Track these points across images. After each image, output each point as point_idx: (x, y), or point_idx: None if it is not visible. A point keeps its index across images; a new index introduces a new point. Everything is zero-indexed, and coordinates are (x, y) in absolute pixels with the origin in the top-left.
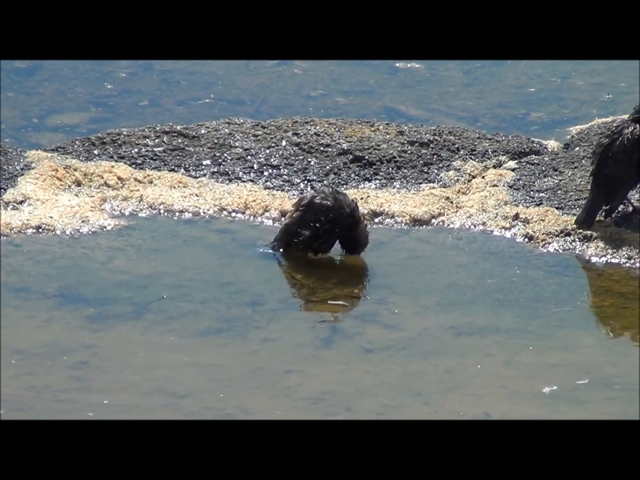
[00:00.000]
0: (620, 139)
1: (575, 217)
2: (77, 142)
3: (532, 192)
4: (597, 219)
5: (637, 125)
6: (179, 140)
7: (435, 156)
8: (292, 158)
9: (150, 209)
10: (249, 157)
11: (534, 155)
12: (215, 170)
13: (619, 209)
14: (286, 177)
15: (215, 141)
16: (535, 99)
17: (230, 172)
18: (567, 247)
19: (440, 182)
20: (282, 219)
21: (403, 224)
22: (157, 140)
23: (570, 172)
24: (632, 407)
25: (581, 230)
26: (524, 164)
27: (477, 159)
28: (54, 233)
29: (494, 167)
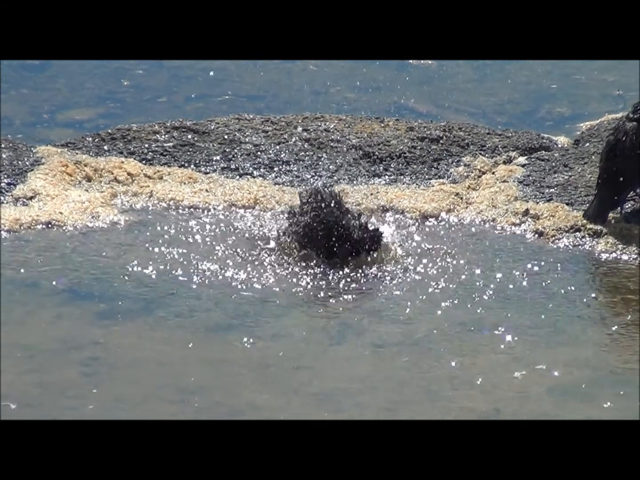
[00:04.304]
0: (625, 135)
1: (583, 212)
2: (87, 138)
3: (542, 188)
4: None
5: (635, 123)
6: (189, 136)
7: (445, 152)
8: (302, 154)
9: (160, 204)
10: (259, 153)
11: (544, 151)
12: (225, 165)
13: (629, 205)
14: (296, 172)
15: (225, 137)
16: (545, 95)
17: (240, 168)
18: (577, 243)
19: (450, 178)
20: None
21: (413, 220)
22: (167, 136)
23: (580, 168)
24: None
25: (592, 226)
26: (534, 159)
27: (487, 155)
28: (63, 229)
29: (504, 163)
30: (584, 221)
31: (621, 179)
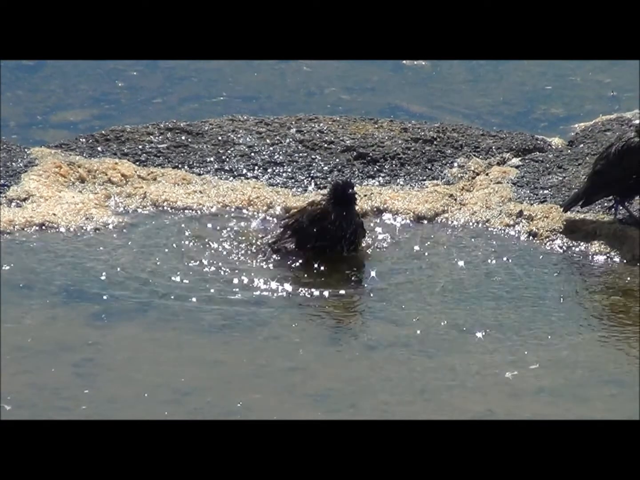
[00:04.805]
0: (619, 141)
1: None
2: (81, 139)
3: (536, 190)
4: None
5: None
6: (183, 137)
7: (439, 153)
8: (296, 155)
9: (153, 206)
10: (252, 154)
11: (538, 153)
12: (219, 167)
13: (621, 214)
14: (290, 173)
15: (219, 138)
16: (540, 96)
17: (234, 169)
18: (570, 244)
19: (444, 179)
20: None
21: (407, 221)
22: (160, 137)
23: (574, 169)
24: (634, 404)
25: (586, 227)
26: (528, 161)
27: (480, 156)
28: (57, 230)
29: (498, 164)
30: (578, 222)
31: (600, 179)
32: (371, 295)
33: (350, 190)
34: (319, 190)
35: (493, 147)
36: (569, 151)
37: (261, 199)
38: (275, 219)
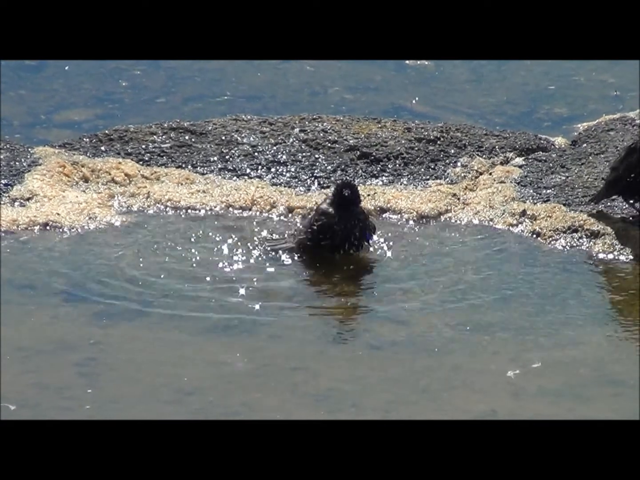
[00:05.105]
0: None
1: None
2: (84, 139)
3: (539, 189)
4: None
5: None
6: (186, 137)
7: (442, 153)
8: (300, 154)
9: (157, 205)
10: (256, 154)
11: (541, 152)
12: (223, 166)
13: (625, 212)
14: (293, 173)
15: (223, 138)
16: (543, 96)
17: (237, 169)
18: (574, 244)
19: (447, 179)
20: (290, 215)
21: (410, 221)
22: (164, 137)
23: (577, 169)
24: (637, 404)
25: (589, 226)
26: (531, 160)
27: (484, 156)
28: (61, 230)
29: (501, 163)
30: (581, 222)
31: (610, 176)
32: (374, 294)
33: (348, 192)
34: (322, 189)
35: (496, 147)
36: (572, 151)
37: (264, 198)
38: (278, 219)
